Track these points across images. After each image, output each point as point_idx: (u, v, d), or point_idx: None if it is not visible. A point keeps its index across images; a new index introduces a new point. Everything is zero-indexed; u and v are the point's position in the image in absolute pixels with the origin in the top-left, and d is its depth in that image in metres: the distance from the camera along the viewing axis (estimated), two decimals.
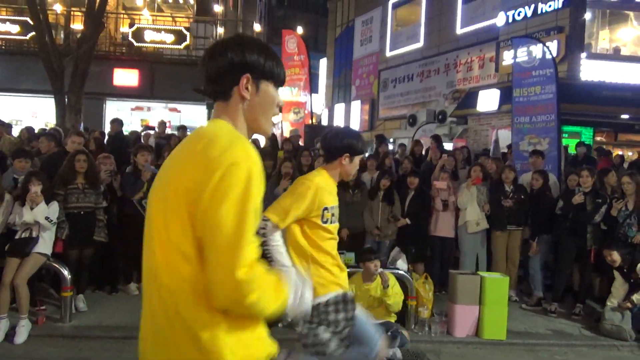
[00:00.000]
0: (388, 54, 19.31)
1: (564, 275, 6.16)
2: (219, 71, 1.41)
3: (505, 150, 9.69)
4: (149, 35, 14.10)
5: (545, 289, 6.38)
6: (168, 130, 11.11)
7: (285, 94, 12.68)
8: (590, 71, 12.11)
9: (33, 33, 11.86)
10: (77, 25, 13.99)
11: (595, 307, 6.20)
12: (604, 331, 5.38)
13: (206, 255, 1.26)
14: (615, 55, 13.07)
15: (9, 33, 13.94)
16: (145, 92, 14.00)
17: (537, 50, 8.03)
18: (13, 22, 14.01)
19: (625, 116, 12.15)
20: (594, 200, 5.85)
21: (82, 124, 10.31)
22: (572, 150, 9.64)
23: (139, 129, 12.62)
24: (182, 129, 9.62)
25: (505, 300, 5.19)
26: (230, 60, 1.40)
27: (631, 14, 13.42)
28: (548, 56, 7.94)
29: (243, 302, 1.24)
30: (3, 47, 14.27)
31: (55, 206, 5.04)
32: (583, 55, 12.23)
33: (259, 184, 1.28)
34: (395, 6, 19.33)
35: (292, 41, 12.58)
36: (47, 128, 10.15)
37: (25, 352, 4.48)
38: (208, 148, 1.28)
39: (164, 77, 13.80)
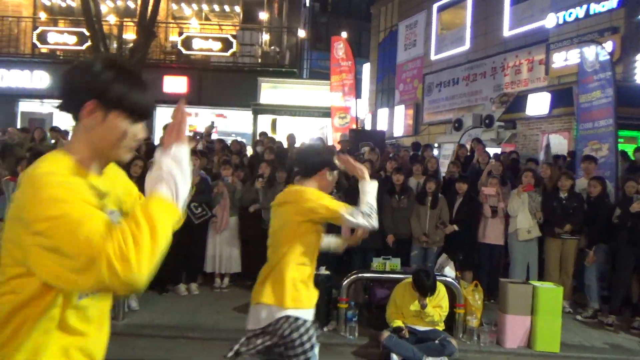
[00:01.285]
0: (433, 57, 19.05)
1: (622, 287, 5.88)
2: (66, 89, 1.36)
3: (558, 154, 9.36)
4: (197, 44, 14.48)
5: (602, 300, 6.10)
6: (214, 136, 11.33)
7: (332, 99, 12.81)
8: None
9: (89, 43, 12.39)
10: (129, 35, 14.53)
11: None
12: None
13: None
14: None
15: (67, 44, 14.65)
16: (193, 98, 14.34)
17: (593, 52, 7.75)
18: (71, 33, 14.70)
19: None
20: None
21: None
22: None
23: (187, 133, 12.94)
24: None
25: (559, 311, 4.99)
26: (79, 81, 1.33)
27: None
28: (603, 58, 7.65)
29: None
30: (61, 57, 14.99)
31: None
32: (639, 56, 11.67)
33: None
34: (440, 9, 19.07)
35: (340, 47, 12.77)
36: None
37: None
38: None
39: (211, 84, 14.13)
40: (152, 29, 11.15)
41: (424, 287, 4.56)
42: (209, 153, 7.60)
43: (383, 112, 21.96)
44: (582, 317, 6.00)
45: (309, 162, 2.74)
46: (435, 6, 19.11)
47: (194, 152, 6.43)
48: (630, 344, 5.34)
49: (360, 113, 17.09)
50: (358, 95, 15.72)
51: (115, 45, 14.77)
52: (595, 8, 12.12)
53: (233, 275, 6.74)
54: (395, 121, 20.74)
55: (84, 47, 14.15)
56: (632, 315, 5.88)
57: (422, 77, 19.54)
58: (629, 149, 9.97)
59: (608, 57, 7.73)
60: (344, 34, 16.05)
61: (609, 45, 11.12)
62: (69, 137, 1.49)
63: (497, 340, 5.12)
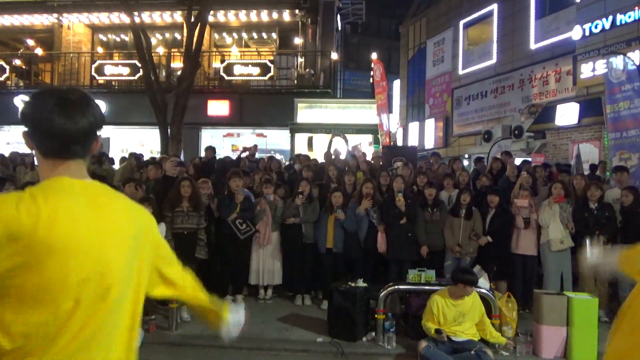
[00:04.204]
0: (460, 72, 18.86)
1: None
2: (88, 130, 1.30)
3: (587, 165, 9.06)
4: (237, 69, 14.82)
5: None
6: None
7: (373, 118, 13.13)
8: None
9: (140, 73, 12.88)
10: (177, 64, 15.02)
11: None
12: None
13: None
14: None
15: (121, 75, 15.27)
16: (235, 120, 14.68)
17: (621, 63, 7.51)
18: (124, 65, 15.33)
19: None
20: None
21: (182, 152, 10.98)
22: None
23: (230, 153, 13.25)
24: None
25: (595, 322, 4.80)
26: (94, 120, 1.31)
27: None
28: (631, 68, 7.39)
29: None
30: (116, 87, 15.65)
31: (162, 227, 5.40)
32: None
33: None
34: (466, 26, 18.90)
35: (378, 69, 13.17)
36: (155, 156, 10.90)
37: (138, 357, 4.78)
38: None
39: (251, 106, 14.42)
40: (197, 58, 11.49)
41: (469, 275, 4.63)
42: (251, 172, 7.73)
43: (414, 126, 21.83)
44: None
45: None
46: (461, 23, 18.96)
47: (237, 174, 6.56)
48: None
49: (392, 127, 17.05)
50: (390, 110, 15.74)
51: (163, 74, 15.31)
52: (621, 19, 11.74)
53: (275, 287, 6.80)
54: (426, 134, 20.57)
55: (136, 77, 14.72)
56: None
57: (450, 91, 19.35)
58: None
59: (635, 67, 7.47)
60: (374, 54, 16.10)
61: (636, 55, 10.74)
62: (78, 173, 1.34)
63: (533, 351, 4.96)
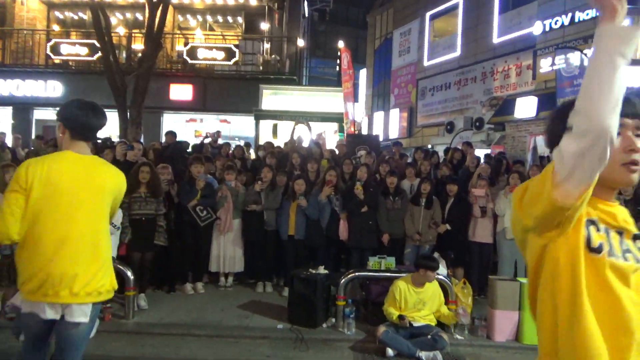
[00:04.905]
0: (426, 63, 19.08)
1: None
2: (101, 126, 2.50)
3: (543, 155, 9.35)
4: (201, 53, 14.50)
5: None
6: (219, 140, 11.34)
7: (339, 106, 13.12)
8: (631, 77, 11.54)
9: (99, 54, 12.42)
10: (138, 45, 14.55)
11: None
12: None
13: None
14: None
15: (79, 55, 14.66)
16: (198, 105, 14.40)
17: (576, 58, 7.75)
18: (82, 45, 14.72)
19: None
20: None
21: (142, 136, 10.68)
22: None
23: (192, 139, 13.00)
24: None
25: None
26: (104, 121, 2.52)
27: None
28: (586, 64, 7.66)
29: None
30: (73, 68, 15.02)
31: (119, 212, 5.26)
32: None
33: None
34: (432, 18, 19.10)
35: (345, 57, 13.20)
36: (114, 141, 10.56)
37: (94, 346, 4.67)
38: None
39: (215, 91, 14.17)
40: (160, 39, 11.16)
41: (429, 263, 4.79)
42: (214, 158, 7.60)
43: (379, 115, 21.99)
44: None
45: None
46: (428, 15, 19.14)
47: (199, 160, 6.45)
48: None
49: (357, 116, 17.12)
50: (355, 99, 15.79)
51: (124, 55, 14.81)
52: (579, 16, 12.12)
53: (236, 274, 6.76)
54: (391, 124, 20.78)
55: (94, 57, 14.18)
56: None
57: (415, 82, 19.57)
58: None
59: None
60: (341, 42, 16.09)
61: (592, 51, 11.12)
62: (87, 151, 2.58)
63: (487, 335, 5.14)
